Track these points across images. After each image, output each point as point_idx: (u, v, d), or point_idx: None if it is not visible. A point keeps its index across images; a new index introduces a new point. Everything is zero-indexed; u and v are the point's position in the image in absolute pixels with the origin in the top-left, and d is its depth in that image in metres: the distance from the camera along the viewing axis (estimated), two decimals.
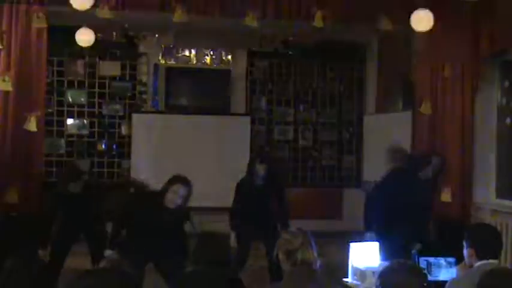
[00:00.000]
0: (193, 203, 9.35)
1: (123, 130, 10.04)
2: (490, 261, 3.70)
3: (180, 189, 5.38)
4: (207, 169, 9.53)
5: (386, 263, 4.72)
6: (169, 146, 9.62)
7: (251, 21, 7.22)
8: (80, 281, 2.01)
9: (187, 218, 5.86)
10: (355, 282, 5.14)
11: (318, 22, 7.29)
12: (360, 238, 6.06)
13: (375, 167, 9.86)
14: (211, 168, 9.58)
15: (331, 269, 5.53)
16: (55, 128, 9.76)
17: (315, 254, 3.41)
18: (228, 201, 9.76)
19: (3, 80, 6.77)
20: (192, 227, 9.38)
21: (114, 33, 9.50)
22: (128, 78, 10.14)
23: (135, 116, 9.79)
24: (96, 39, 8.41)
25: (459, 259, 4.33)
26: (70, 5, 6.63)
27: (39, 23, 6.87)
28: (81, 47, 8.92)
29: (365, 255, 5.28)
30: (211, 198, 9.60)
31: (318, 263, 3.42)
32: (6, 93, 6.85)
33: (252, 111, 10.54)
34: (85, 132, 9.96)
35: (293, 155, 10.78)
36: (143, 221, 5.30)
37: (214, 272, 3.21)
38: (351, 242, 5.40)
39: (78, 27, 8.21)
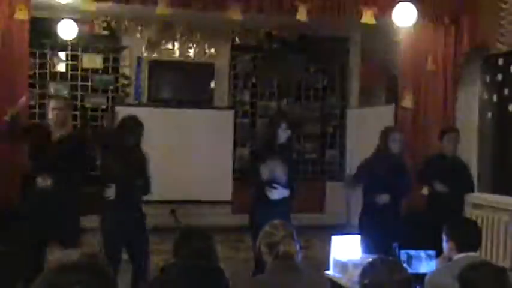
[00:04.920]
0: (177, 196, 9.42)
1: (106, 123, 9.99)
2: (470, 254, 3.74)
3: None
4: (190, 162, 9.53)
5: (367, 257, 4.77)
6: (152, 139, 9.57)
7: (234, 14, 7.22)
8: (56, 275, 1.97)
9: None
10: (336, 275, 5.18)
11: (301, 16, 7.29)
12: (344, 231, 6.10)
13: (358, 161, 9.92)
14: (194, 162, 9.57)
15: (314, 262, 5.58)
16: (37, 121, 9.69)
17: (297, 247, 3.43)
18: (211, 194, 9.83)
19: None
20: (176, 220, 9.40)
21: (97, 26, 9.44)
22: (110, 71, 10.09)
23: (118, 109, 9.74)
24: (78, 32, 8.37)
25: (439, 252, 4.37)
26: None
27: (21, 15, 6.79)
28: (64, 40, 8.89)
29: (346, 248, 5.32)
30: (195, 191, 9.62)
31: (300, 256, 3.44)
32: None
33: (236, 105, 10.54)
34: None
35: None
36: None
37: (195, 264, 3.22)
38: (333, 235, 5.44)
39: (61, 19, 8.17)
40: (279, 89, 10.85)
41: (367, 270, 2.76)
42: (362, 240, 5.46)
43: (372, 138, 9.18)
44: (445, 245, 3.87)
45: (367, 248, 5.46)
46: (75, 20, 8.16)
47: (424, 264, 4.80)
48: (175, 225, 8.83)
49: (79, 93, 9.92)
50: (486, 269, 3.01)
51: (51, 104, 5.93)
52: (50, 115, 5.85)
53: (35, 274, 2.05)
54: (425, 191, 6.79)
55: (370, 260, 2.88)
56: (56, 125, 5.84)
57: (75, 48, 9.84)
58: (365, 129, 9.51)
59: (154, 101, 10.05)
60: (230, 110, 10.25)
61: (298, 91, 10.93)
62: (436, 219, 4.85)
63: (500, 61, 7.49)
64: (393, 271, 2.72)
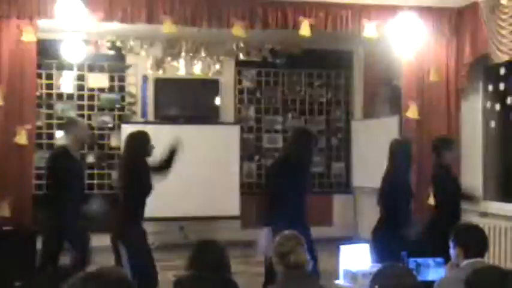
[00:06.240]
0: (185, 212, 9.47)
1: (113, 141, 10.07)
2: (477, 259, 3.78)
3: None
4: (198, 178, 9.58)
5: (376, 266, 4.82)
6: (160, 156, 9.65)
7: (238, 31, 7.32)
8: (81, 284, 2.03)
9: None
10: (347, 284, 5.22)
11: (304, 31, 7.39)
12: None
13: (364, 173, 9.97)
14: (201, 178, 9.62)
15: (323, 273, 5.62)
16: (45, 141, 9.78)
17: (307, 257, 3.49)
18: (219, 209, 9.86)
19: None
20: (184, 236, 9.46)
21: (102, 46, 9.55)
22: (116, 89, 10.19)
23: (124, 127, 9.78)
24: (84, 52, 8.48)
25: (447, 260, 4.42)
26: (58, 19, 6.74)
27: (28, 37, 6.92)
28: (70, 60, 9.01)
29: (355, 258, 5.37)
30: (203, 207, 9.67)
31: (310, 266, 3.50)
32: None
33: (241, 120, 10.62)
34: None
35: None
36: None
37: (211, 276, 3.28)
38: (341, 244, 5.49)
39: (67, 40, 8.29)
40: (283, 104, 10.93)
41: (378, 276, 2.82)
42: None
43: (378, 149, 9.26)
44: (452, 252, 3.92)
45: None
46: (81, 41, 8.28)
47: (433, 271, 4.84)
48: (184, 241, 8.88)
49: (86, 113, 10.01)
50: (492, 272, 3.05)
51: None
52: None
53: None
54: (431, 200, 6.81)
55: (381, 266, 2.95)
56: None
57: (81, 68, 9.94)
58: (370, 141, 9.57)
59: (161, 118, 10.13)
60: (236, 125, 10.32)
61: (303, 105, 11.02)
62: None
63: (502, 70, 7.56)
64: (403, 277, 2.79)
